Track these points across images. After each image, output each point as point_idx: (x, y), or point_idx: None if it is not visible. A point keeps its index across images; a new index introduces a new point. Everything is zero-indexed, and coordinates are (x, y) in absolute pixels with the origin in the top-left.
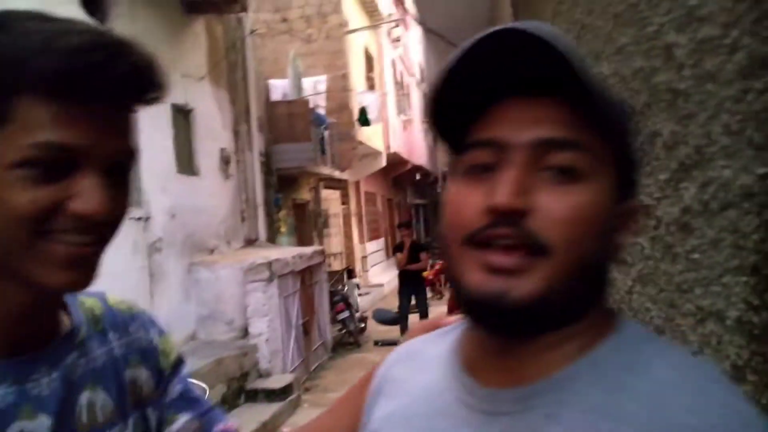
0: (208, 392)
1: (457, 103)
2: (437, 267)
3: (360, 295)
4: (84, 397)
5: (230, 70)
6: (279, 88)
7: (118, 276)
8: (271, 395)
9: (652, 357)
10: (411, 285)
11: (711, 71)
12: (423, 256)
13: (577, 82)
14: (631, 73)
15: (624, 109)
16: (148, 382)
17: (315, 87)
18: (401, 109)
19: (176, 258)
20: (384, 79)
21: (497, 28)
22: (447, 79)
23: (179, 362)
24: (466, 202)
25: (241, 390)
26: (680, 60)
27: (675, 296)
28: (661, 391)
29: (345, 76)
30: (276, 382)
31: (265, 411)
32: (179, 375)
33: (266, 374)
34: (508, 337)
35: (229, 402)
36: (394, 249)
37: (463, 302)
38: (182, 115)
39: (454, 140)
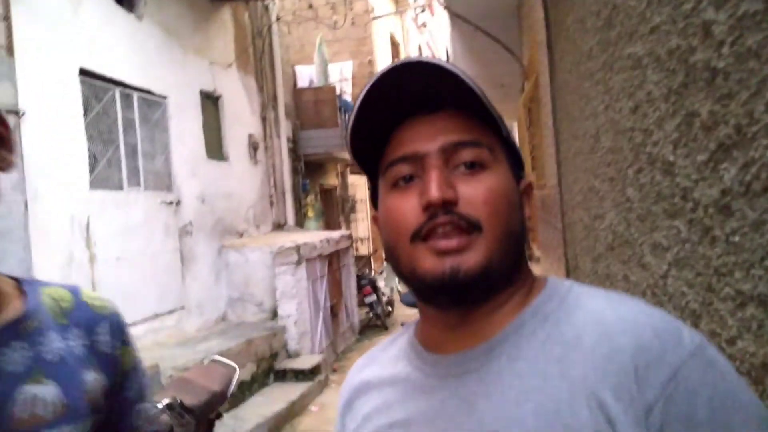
0: (238, 371)
1: (371, 130)
2: None
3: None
4: (26, 391)
5: (257, 57)
6: (305, 74)
7: (152, 258)
8: (300, 375)
9: (579, 296)
10: None
11: (753, 48)
12: None
13: (466, 96)
14: (666, 52)
15: (498, 113)
16: (104, 390)
17: (341, 73)
18: None
19: (206, 241)
20: None
21: (395, 62)
22: (360, 111)
23: (134, 377)
24: (404, 208)
25: (270, 369)
26: (719, 38)
27: (713, 280)
28: (595, 315)
29: (371, 62)
30: (304, 362)
31: (293, 390)
32: (131, 390)
33: (295, 355)
34: (463, 308)
35: (259, 381)
36: None
37: (418, 290)
38: (211, 102)
39: (374, 167)
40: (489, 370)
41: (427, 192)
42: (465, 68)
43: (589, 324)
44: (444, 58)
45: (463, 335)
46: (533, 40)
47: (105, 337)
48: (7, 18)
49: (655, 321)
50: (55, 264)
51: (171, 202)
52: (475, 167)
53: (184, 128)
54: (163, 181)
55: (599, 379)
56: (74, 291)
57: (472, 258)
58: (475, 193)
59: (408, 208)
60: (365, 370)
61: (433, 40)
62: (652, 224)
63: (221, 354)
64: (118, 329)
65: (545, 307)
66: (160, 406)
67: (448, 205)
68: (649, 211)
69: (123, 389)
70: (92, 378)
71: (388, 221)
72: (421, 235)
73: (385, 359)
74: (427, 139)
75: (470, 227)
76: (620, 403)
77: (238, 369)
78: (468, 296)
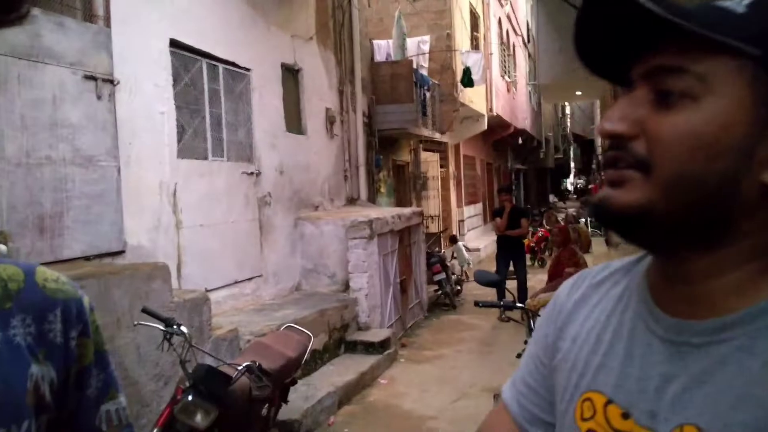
0: (312, 339)
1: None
2: (538, 234)
3: (468, 250)
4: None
5: (337, 31)
6: (383, 48)
7: (233, 226)
8: (370, 348)
9: None
10: (509, 251)
11: None
12: (524, 222)
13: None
14: None
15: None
16: (53, 386)
17: (419, 47)
18: (506, 70)
19: (283, 212)
20: (489, 39)
21: None
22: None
23: (96, 373)
24: (602, 120)
25: (341, 341)
26: None
27: None
28: None
29: (449, 36)
30: (374, 335)
31: (364, 362)
32: (91, 387)
33: (365, 327)
34: (657, 254)
35: (330, 351)
36: (493, 213)
37: None
38: (291, 75)
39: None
40: (711, 353)
41: (603, 118)
42: (548, 43)
43: None
44: (526, 33)
45: (684, 297)
46: None
47: (56, 325)
48: None
49: None
50: (144, 228)
51: (252, 173)
52: (670, 98)
53: (266, 101)
54: (245, 153)
55: None
56: (28, 270)
57: (625, 196)
58: (657, 128)
59: (599, 126)
60: (588, 289)
61: (515, 12)
62: None
63: (296, 322)
64: (76, 317)
65: None
66: (240, 368)
67: (619, 139)
68: None
69: (81, 387)
70: (37, 372)
71: None
72: (605, 163)
73: (613, 290)
74: (643, 62)
75: (638, 165)
76: None
77: (312, 337)
78: (632, 236)
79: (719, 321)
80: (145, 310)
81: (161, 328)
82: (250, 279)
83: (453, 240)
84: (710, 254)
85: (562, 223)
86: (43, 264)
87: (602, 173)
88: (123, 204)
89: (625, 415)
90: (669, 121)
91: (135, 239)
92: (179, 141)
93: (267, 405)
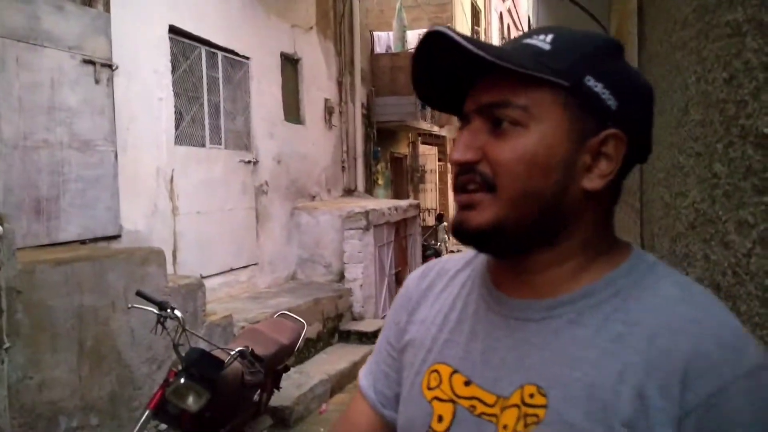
0: (306, 327)
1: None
2: None
3: (446, 236)
4: None
5: (337, 21)
6: (383, 40)
7: (230, 214)
8: (363, 337)
9: (659, 278)
10: None
11: None
12: None
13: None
14: None
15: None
16: None
17: (419, 40)
18: None
19: (280, 202)
20: (490, 33)
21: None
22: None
23: None
24: (450, 154)
25: (335, 330)
26: None
27: None
28: (667, 304)
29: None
30: (368, 325)
31: (356, 351)
32: None
33: (359, 317)
34: (502, 259)
35: (324, 340)
36: None
37: None
38: (291, 64)
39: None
40: (548, 326)
41: (452, 151)
42: None
43: (658, 311)
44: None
45: (527, 284)
46: (623, 9)
47: None
48: None
49: (724, 331)
50: (140, 213)
51: (249, 162)
52: (501, 126)
53: (264, 89)
54: (243, 141)
55: (649, 371)
56: None
57: (478, 216)
58: (496, 153)
59: (450, 159)
60: (435, 277)
61: (516, 7)
62: (739, 201)
63: (290, 311)
64: None
65: (620, 281)
66: (232, 353)
67: (468, 165)
68: (736, 186)
69: None
70: None
71: None
72: (456, 187)
73: (457, 277)
74: (474, 98)
75: (486, 187)
76: (662, 401)
77: (306, 325)
78: (488, 248)
79: (555, 301)
80: (139, 294)
81: (155, 311)
82: (245, 267)
83: (439, 219)
84: (550, 250)
85: None
86: (38, 246)
87: (456, 198)
88: (119, 189)
89: (468, 383)
90: (505, 146)
91: (131, 224)
92: (177, 127)
93: (259, 391)
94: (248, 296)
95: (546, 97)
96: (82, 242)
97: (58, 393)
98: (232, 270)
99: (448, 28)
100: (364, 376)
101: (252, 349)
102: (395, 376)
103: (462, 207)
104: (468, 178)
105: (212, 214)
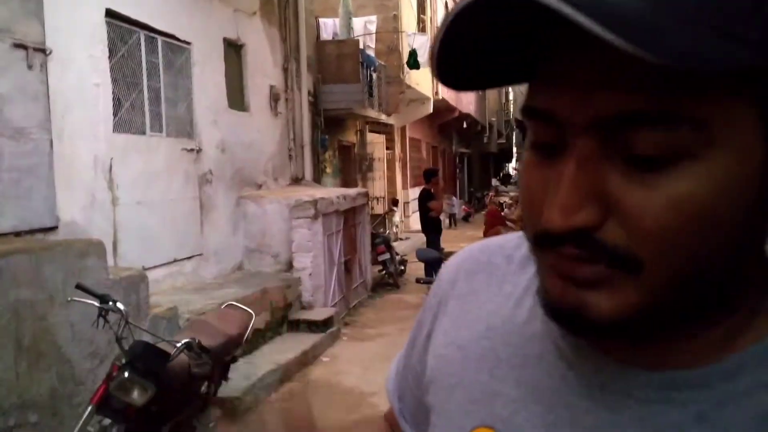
0: (254, 317)
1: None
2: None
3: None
4: None
5: (282, 6)
6: (329, 26)
7: (172, 204)
8: (313, 326)
9: None
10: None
11: None
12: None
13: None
14: None
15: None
16: None
17: (365, 27)
18: None
19: (225, 191)
20: (436, 22)
21: None
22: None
23: None
24: (533, 192)
25: (284, 319)
26: None
27: None
28: None
29: (396, 18)
30: (317, 314)
31: (306, 340)
32: None
33: (308, 306)
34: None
35: (273, 330)
36: (423, 197)
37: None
38: (234, 50)
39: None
40: (660, 415)
41: (550, 209)
42: None
43: None
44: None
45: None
46: None
47: None
48: None
49: None
50: (78, 204)
51: (192, 150)
52: (657, 162)
53: (207, 76)
54: (185, 129)
55: None
56: None
57: (609, 301)
58: (640, 210)
59: (536, 195)
60: (476, 271)
61: None
62: None
63: (237, 301)
64: None
65: None
66: (178, 345)
67: (580, 234)
68: None
69: None
70: None
71: (521, 189)
72: (545, 244)
73: (511, 280)
74: (575, 92)
75: (619, 263)
76: None
77: (254, 315)
78: (608, 338)
79: (678, 376)
80: (79, 287)
81: (96, 304)
82: (189, 258)
83: (395, 203)
84: (701, 320)
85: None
86: None
87: (558, 266)
88: (55, 178)
89: None
90: (658, 195)
91: (68, 215)
92: (115, 115)
93: (207, 382)
94: (193, 288)
95: (735, 103)
96: (17, 234)
97: None
98: (175, 261)
99: None
100: (390, 379)
101: (199, 341)
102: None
103: (579, 284)
104: (582, 254)
105: (154, 204)
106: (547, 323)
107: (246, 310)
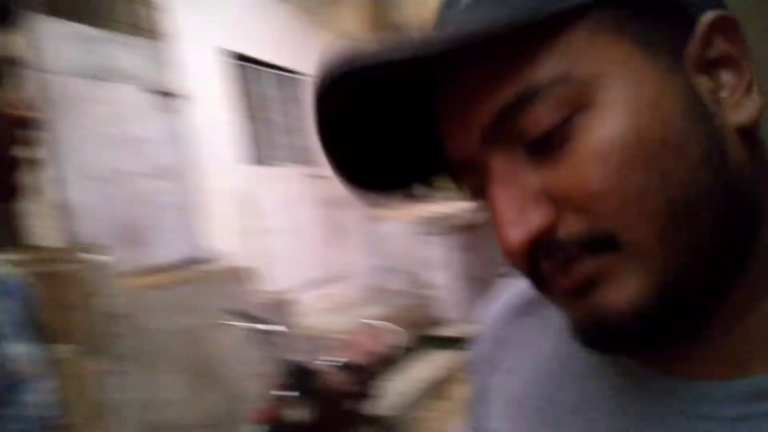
0: (398, 335)
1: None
2: None
3: None
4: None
5: (385, 28)
6: None
7: (307, 229)
8: (449, 343)
9: None
10: None
11: None
12: None
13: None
14: None
15: None
16: None
17: None
18: None
19: (354, 213)
20: None
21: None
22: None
23: None
24: (498, 239)
25: (425, 336)
26: None
27: None
28: None
29: None
30: (455, 331)
31: (447, 357)
32: None
33: (445, 323)
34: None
35: (416, 347)
36: None
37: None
38: None
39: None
40: (755, 428)
41: (499, 234)
42: None
43: None
44: None
45: (694, 349)
46: None
47: None
48: (164, 8)
49: None
50: (224, 235)
51: (318, 176)
52: (552, 136)
53: None
54: (307, 156)
55: None
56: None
57: (617, 292)
58: (576, 180)
59: (504, 247)
60: (514, 322)
61: None
62: None
63: (380, 320)
64: None
65: None
66: (330, 364)
67: (540, 239)
68: None
69: None
70: None
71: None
72: (534, 278)
73: (546, 320)
74: (459, 123)
75: (594, 246)
76: None
77: (403, 332)
78: (650, 337)
79: (736, 384)
80: (233, 311)
81: (252, 327)
82: (329, 280)
83: None
84: (740, 286)
85: None
86: (135, 274)
87: (555, 290)
88: (202, 213)
89: None
90: (582, 159)
91: (216, 246)
92: (247, 149)
93: (358, 400)
94: (335, 308)
95: (581, 41)
96: (174, 267)
97: (174, 411)
98: (314, 283)
99: (346, 53)
100: None
101: (350, 360)
102: None
103: (572, 296)
104: (551, 264)
105: (291, 230)
106: (606, 361)
107: (394, 328)
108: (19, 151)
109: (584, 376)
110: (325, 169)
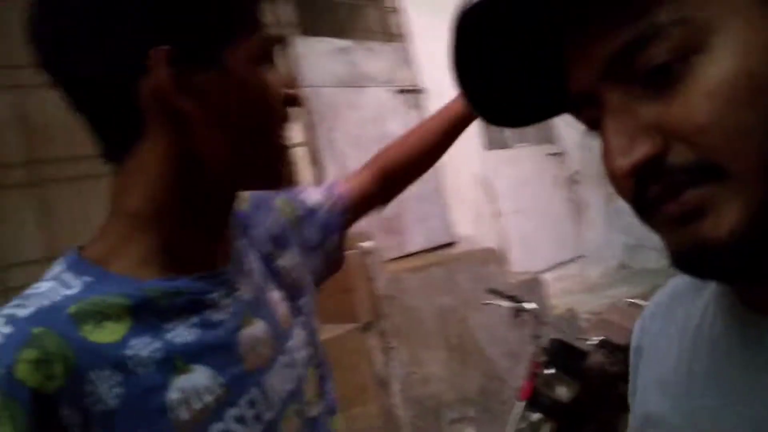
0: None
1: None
2: None
3: None
4: (270, 298)
5: None
6: None
7: (545, 208)
8: None
9: None
10: None
11: None
12: None
13: None
14: None
15: None
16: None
17: None
18: None
19: (594, 189)
20: None
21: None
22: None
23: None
24: (607, 165)
25: None
26: None
27: None
28: None
29: None
30: None
31: None
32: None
33: None
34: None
35: None
36: None
37: None
38: None
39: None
40: None
41: (608, 160)
42: None
43: None
44: None
45: None
46: None
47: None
48: (400, 10)
49: None
50: (467, 219)
51: (556, 154)
52: (668, 73)
53: None
54: (545, 135)
55: None
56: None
57: (720, 219)
58: (687, 116)
59: (612, 173)
60: (660, 311)
61: None
62: None
63: (631, 299)
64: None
65: None
66: (592, 343)
67: (647, 166)
68: None
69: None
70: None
71: None
72: (640, 203)
73: (695, 296)
74: (581, 55)
75: (700, 176)
76: None
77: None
78: (748, 266)
79: None
80: (491, 290)
81: (509, 305)
82: (572, 260)
83: None
84: None
85: None
86: (393, 259)
87: (661, 218)
88: (447, 199)
89: None
90: (694, 97)
91: (461, 230)
92: (484, 134)
93: (622, 382)
94: (582, 288)
95: None
96: (426, 252)
97: (437, 387)
98: (559, 264)
99: None
100: None
101: (610, 339)
102: None
103: (676, 222)
104: (658, 188)
105: (530, 211)
106: (724, 313)
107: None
108: (287, 133)
109: (713, 343)
110: (562, 146)
